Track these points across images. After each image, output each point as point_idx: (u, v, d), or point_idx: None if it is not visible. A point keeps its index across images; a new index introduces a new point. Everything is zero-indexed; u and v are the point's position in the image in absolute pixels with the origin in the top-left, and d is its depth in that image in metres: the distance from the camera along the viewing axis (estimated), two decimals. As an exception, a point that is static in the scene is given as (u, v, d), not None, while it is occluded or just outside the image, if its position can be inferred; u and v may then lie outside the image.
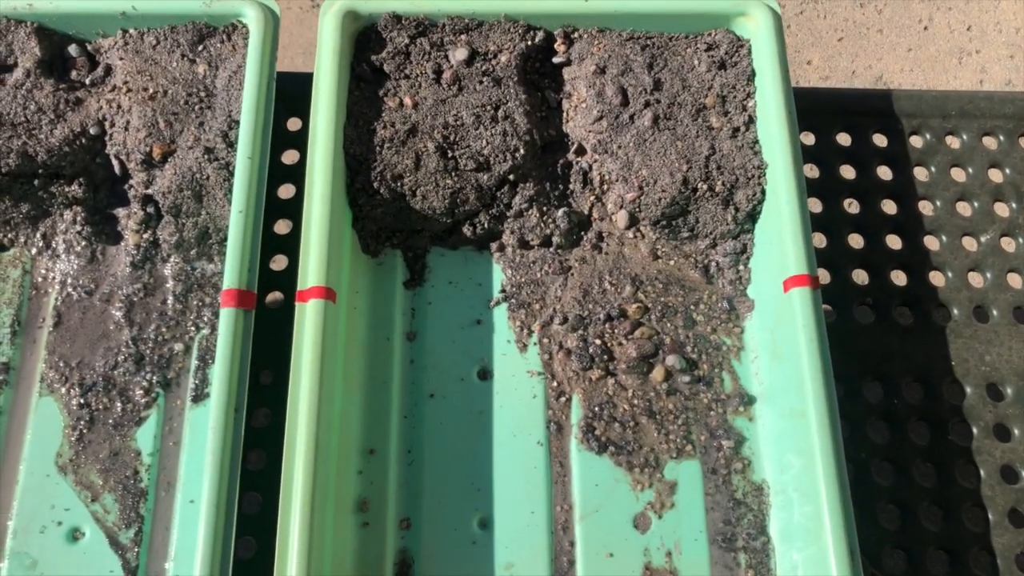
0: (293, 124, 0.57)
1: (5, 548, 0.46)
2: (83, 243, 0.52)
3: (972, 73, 1.14)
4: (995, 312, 0.54)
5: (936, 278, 0.55)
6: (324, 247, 0.47)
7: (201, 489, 0.45)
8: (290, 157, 0.57)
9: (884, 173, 0.58)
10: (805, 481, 0.45)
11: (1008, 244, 0.56)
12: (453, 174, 0.51)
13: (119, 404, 0.49)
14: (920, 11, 1.17)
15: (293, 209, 0.55)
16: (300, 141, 0.56)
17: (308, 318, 0.46)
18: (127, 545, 0.46)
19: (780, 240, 0.49)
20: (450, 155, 0.51)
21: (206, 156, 0.50)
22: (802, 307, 0.47)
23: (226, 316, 0.45)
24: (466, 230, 0.53)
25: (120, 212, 0.52)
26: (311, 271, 0.47)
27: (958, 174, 0.58)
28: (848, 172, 0.58)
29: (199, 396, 0.49)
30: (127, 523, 0.47)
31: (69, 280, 0.52)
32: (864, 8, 1.17)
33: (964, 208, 0.57)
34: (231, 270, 0.46)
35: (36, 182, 0.51)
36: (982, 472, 0.50)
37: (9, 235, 0.52)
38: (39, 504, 0.47)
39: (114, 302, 0.51)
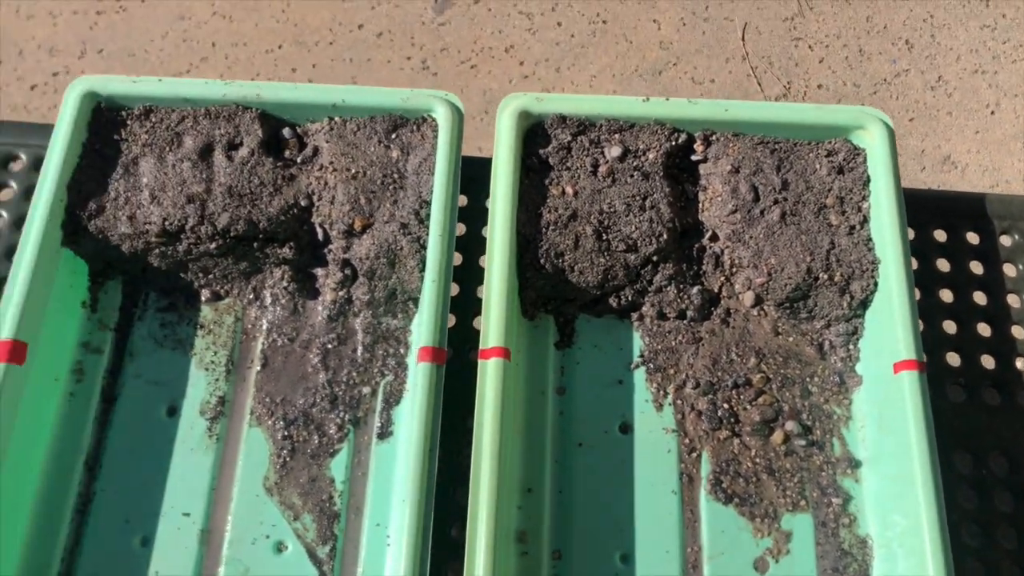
0: (461, 200, 0.66)
1: (222, 555, 0.54)
2: (287, 297, 0.61)
3: (1037, 157, 1.21)
4: (1074, 398, 0.62)
5: (1022, 364, 0.62)
6: (503, 313, 0.55)
7: (387, 514, 0.54)
8: (458, 229, 0.66)
9: (976, 267, 0.65)
10: (910, 538, 0.52)
11: (1086, 337, 0.63)
12: (606, 254, 0.60)
13: (316, 437, 0.58)
14: (988, 96, 1.25)
15: (460, 274, 0.64)
16: (466, 216, 0.65)
17: (489, 374, 0.54)
18: (323, 559, 0.55)
19: (891, 327, 0.56)
20: (604, 237, 0.60)
21: (401, 230, 0.59)
22: (911, 389, 0.54)
23: (423, 370, 0.54)
24: (612, 301, 0.61)
25: (319, 272, 0.61)
26: (491, 333, 0.55)
27: (1042, 272, 0.66)
28: (944, 265, 0.66)
29: (384, 434, 0.58)
30: (323, 540, 0.55)
31: (274, 328, 0.61)
32: (935, 91, 1.25)
33: (1047, 303, 0.65)
34: (427, 330, 0.55)
35: (255, 244, 0.60)
36: (1061, 540, 0.57)
37: (226, 287, 0.61)
38: (250, 519, 0.55)
39: (312, 349, 0.60)
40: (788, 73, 1.24)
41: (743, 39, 1.26)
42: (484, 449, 0.52)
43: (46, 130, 0.66)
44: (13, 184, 0.65)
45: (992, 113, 1.24)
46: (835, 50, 1.26)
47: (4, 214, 0.64)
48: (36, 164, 0.66)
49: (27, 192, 0.65)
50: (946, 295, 0.65)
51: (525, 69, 1.22)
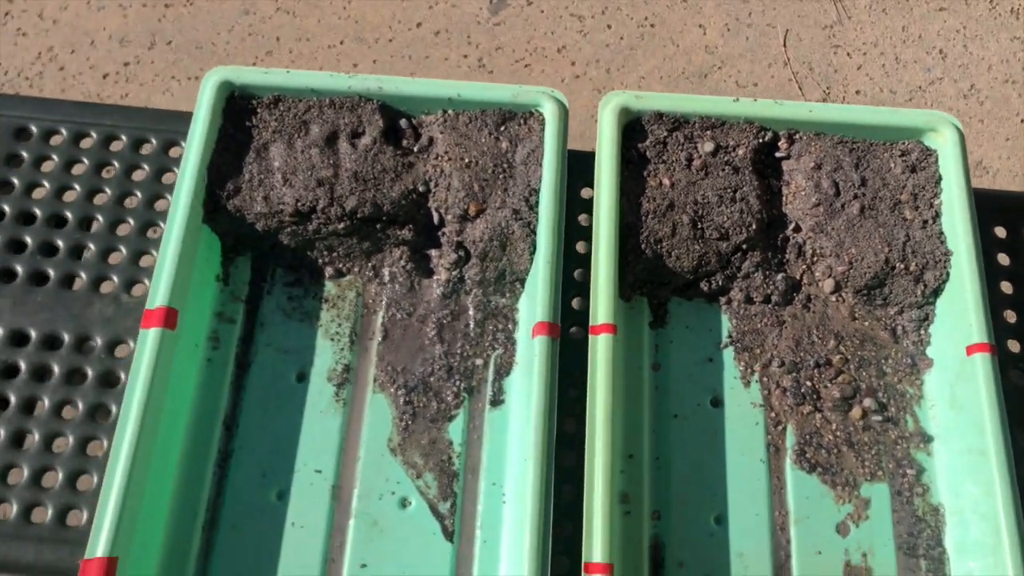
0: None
1: (352, 508, 0.59)
2: (405, 275, 0.66)
3: (1065, 165, 1.27)
4: (1125, 383, 0.67)
5: (1077, 352, 0.68)
6: (611, 294, 0.61)
7: (502, 475, 0.59)
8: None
9: (1033, 262, 0.71)
10: (983, 506, 0.57)
11: None
12: (700, 241, 0.65)
13: (435, 403, 0.63)
14: (1018, 105, 1.31)
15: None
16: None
17: (600, 348, 0.59)
18: (445, 514, 0.60)
19: (964, 313, 0.62)
20: (699, 226, 0.65)
21: (513, 215, 0.64)
22: (984, 369, 0.60)
23: (540, 343, 0.59)
24: (703, 285, 0.66)
25: (434, 253, 0.67)
26: (600, 311, 0.60)
27: (1094, 268, 0.71)
28: (1004, 259, 0.71)
29: (496, 402, 0.63)
30: (444, 496, 0.60)
31: (393, 303, 0.66)
32: (967, 99, 1.31)
33: (1099, 296, 0.70)
34: (543, 307, 0.60)
35: (377, 226, 0.65)
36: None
37: (348, 265, 0.67)
38: (376, 477, 0.60)
39: (428, 323, 0.65)
40: (828, 79, 1.30)
41: (784, 45, 1.31)
42: (598, 416, 0.57)
43: (175, 116, 0.72)
44: (145, 166, 0.70)
45: (1022, 121, 1.30)
46: (872, 57, 1.32)
47: (139, 193, 0.69)
48: (165, 148, 0.71)
49: (158, 173, 0.70)
50: (1006, 287, 0.70)
51: (577, 69, 1.27)
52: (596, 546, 0.53)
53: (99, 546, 0.51)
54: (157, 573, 0.56)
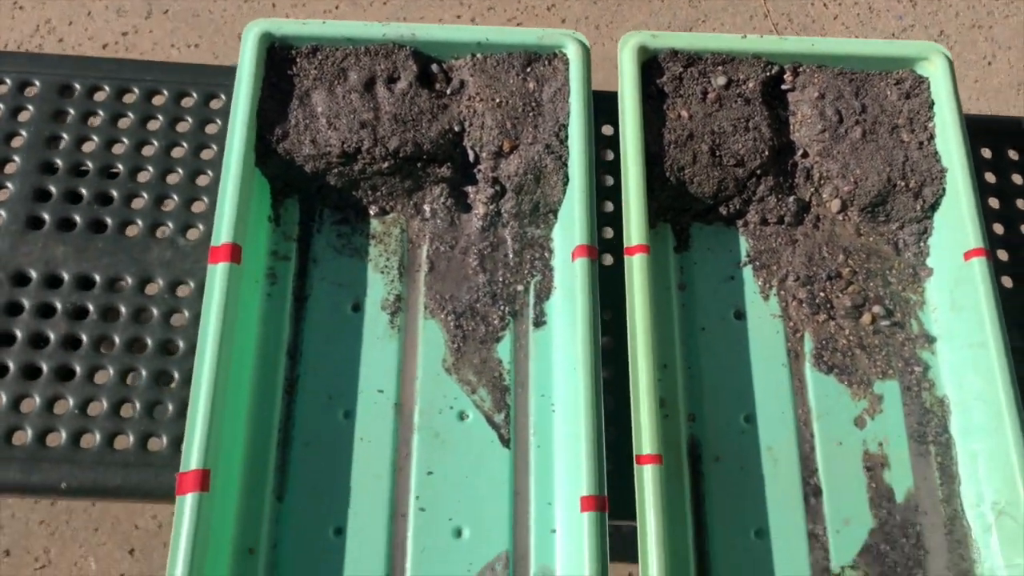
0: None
1: (414, 423, 0.64)
2: (445, 211, 0.71)
3: (1029, 103, 1.35)
4: (1103, 283, 0.74)
5: (1059, 258, 0.74)
6: (642, 217, 0.66)
7: (550, 387, 0.64)
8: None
9: (1017, 179, 0.77)
10: (986, 392, 0.64)
11: (1109, 235, 0.76)
12: (718, 168, 0.70)
13: (482, 327, 0.68)
14: (985, 50, 1.38)
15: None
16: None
17: (636, 268, 0.64)
18: (500, 424, 0.65)
19: (960, 223, 0.68)
20: (717, 154, 0.70)
21: (545, 150, 0.69)
22: (981, 271, 0.66)
23: (581, 264, 0.64)
24: (722, 210, 0.72)
25: (471, 189, 0.71)
26: (634, 234, 0.65)
27: (1071, 182, 0.78)
28: (990, 177, 0.77)
29: (539, 323, 0.68)
30: (498, 408, 0.65)
31: (436, 237, 0.70)
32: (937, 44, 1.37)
33: (1076, 207, 0.77)
34: (581, 231, 0.65)
35: (418, 165, 0.69)
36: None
37: (391, 203, 0.71)
38: (435, 394, 0.65)
39: (470, 254, 0.70)
40: (806, 29, 1.35)
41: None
42: (638, 327, 0.62)
43: (213, 70, 0.75)
44: (188, 118, 0.74)
45: (989, 64, 1.37)
46: (847, 7, 1.38)
47: (184, 144, 0.73)
48: (206, 100, 0.74)
49: (201, 124, 0.73)
50: (994, 202, 0.77)
51: (567, 26, 1.31)
52: (646, 440, 0.59)
53: (192, 459, 0.55)
54: (241, 485, 0.60)
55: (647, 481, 0.58)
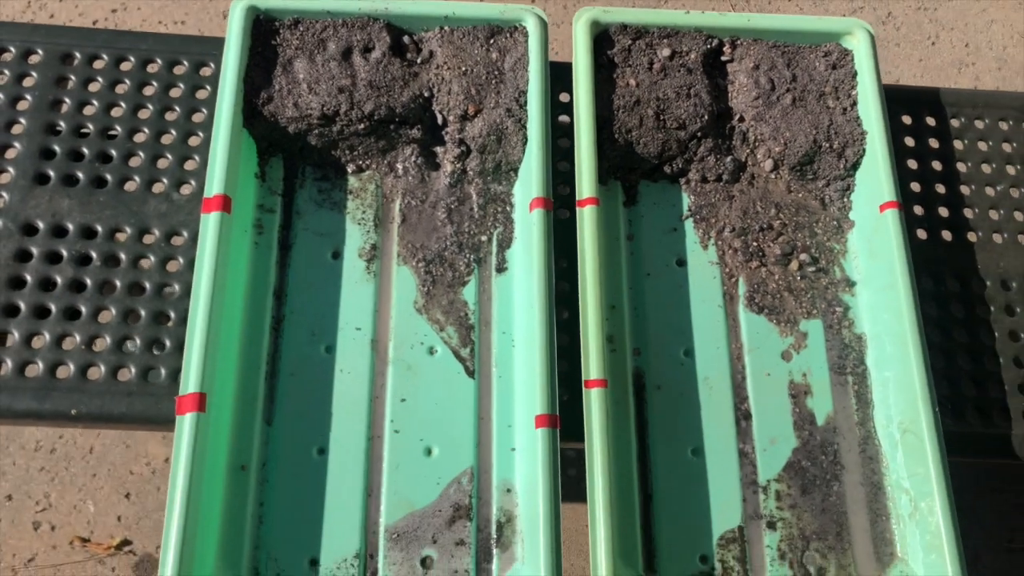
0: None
1: (389, 356, 0.72)
2: (416, 169, 0.78)
3: (968, 80, 1.44)
4: (1006, 235, 0.83)
5: (968, 212, 0.83)
6: (592, 174, 0.73)
7: (510, 325, 0.72)
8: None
9: (933, 143, 0.86)
10: (895, 327, 0.72)
11: (1015, 193, 0.84)
12: (663, 131, 0.78)
13: (450, 272, 0.75)
14: (929, 30, 1.46)
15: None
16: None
17: (587, 218, 0.72)
18: (466, 357, 0.72)
19: (877, 179, 0.76)
20: (661, 118, 0.78)
21: (506, 114, 0.76)
22: (893, 221, 0.74)
23: (537, 215, 0.71)
24: (666, 169, 0.80)
25: (439, 149, 0.78)
26: (585, 187, 0.73)
27: (983, 146, 0.86)
28: (910, 141, 0.86)
29: (501, 269, 0.76)
30: (464, 344, 0.73)
31: (407, 193, 0.78)
32: (885, 26, 1.46)
33: (987, 169, 0.85)
34: (537, 184, 0.72)
35: (391, 127, 0.77)
36: (995, 331, 0.78)
37: (367, 162, 0.78)
38: (407, 332, 0.73)
39: (439, 208, 0.77)
40: (762, 9, 1.43)
41: (722, -20, 1.44)
42: (588, 271, 0.70)
43: (203, 40, 0.82)
44: (180, 85, 0.80)
45: (933, 44, 1.46)
46: (801, -11, 1.46)
47: (177, 108, 0.80)
48: (196, 68, 0.81)
49: (192, 90, 0.80)
50: (912, 164, 0.85)
51: (537, 5, 1.38)
52: (593, 367, 0.67)
53: (190, 383, 0.63)
54: (234, 410, 0.68)
55: (594, 401, 0.66)
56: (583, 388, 0.67)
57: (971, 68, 1.44)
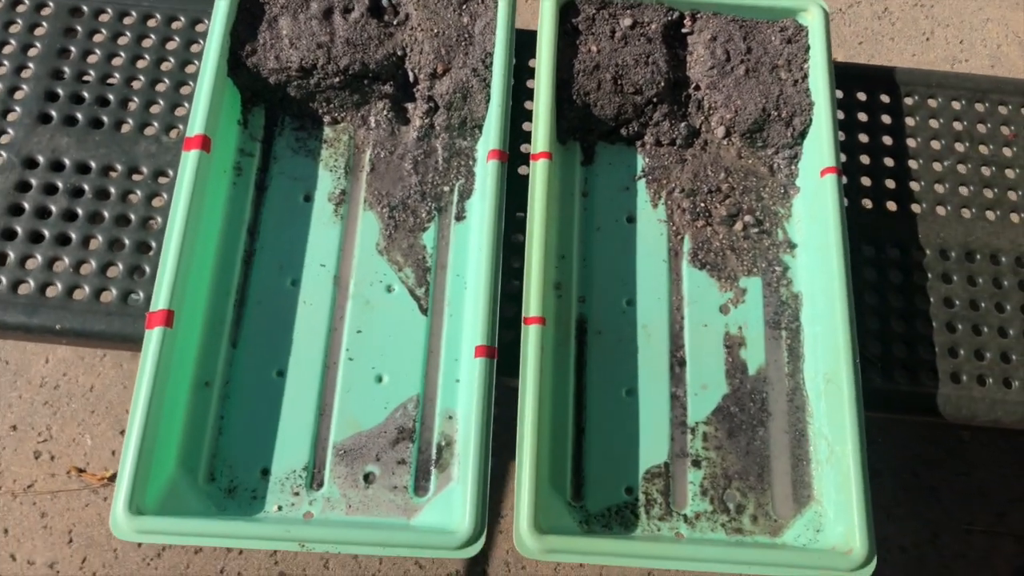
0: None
1: (349, 292, 0.78)
2: (387, 122, 0.84)
3: (962, 77, 1.46)
4: (949, 207, 0.86)
5: (914, 185, 0.87)
6: (548, 131, 0.78)
7: (464, 269, 0.77)
8: (508, 81, 0.88)
9: (885, 119, 0.89)
10: (825, 285, 0.76)
11: (961, 169, 0.88)
12: (619, 95, 0.83)
13: (411, 218, 0.81)
14: (924, 26, 1.49)
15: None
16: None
17: (539, 171, 0.77)
18: (420, 297, 0.78)
19: (820, 146, 0.80)
20: (619, 83, 0.83)
21: (472, 73, 0.82)
22: (831, 185, 0.78)
23: (492, 166, 0.77)
24: (623, 131, 0.85)
25: (410, 105, 0.84)
26: (539, 142, 0.78)
27: (933, 123, 0.90)
28: (863, 117, 0.90)
29: (459, 217, 0.81)
30: (419, 284, 0.78)
31: (378, 144, 0.83)
32: (880, 20, 1.49)
33: (936, 145, 0.89)
34: (495, 138, 0.78)
35: (365, 81, 0.82)
36: (931, 297, 0.82)
37: (342, 114, 0.84)
38: (368, 271, 0.78)
39: (406, 159, 0.83)
40: None
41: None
42: (535, 220, 0.75)
43: (199, -2, 0.88)
44: (177, 38, 0.87)
45: (927, 39, 1.48)
46: (799, -17, 1.50)
47: (172, 60, 0.86)
48: (192, 24, 0.88)
49: (187, 44, 0.87)
50: (863, 137, 0.89)
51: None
52: (533, 305, 0.72)
53: (160, 300, 0.69)
54: (202, 331, 0.74)
55: (531, 336, 0.71)
56: (522, 324, 0.72)
57: (964, 65, 1.47)
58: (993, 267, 0.84)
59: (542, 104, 0.79)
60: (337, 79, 0.81)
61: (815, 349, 0.77)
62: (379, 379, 0.75)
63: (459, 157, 0.83)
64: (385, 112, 0.84)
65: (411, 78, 0.83)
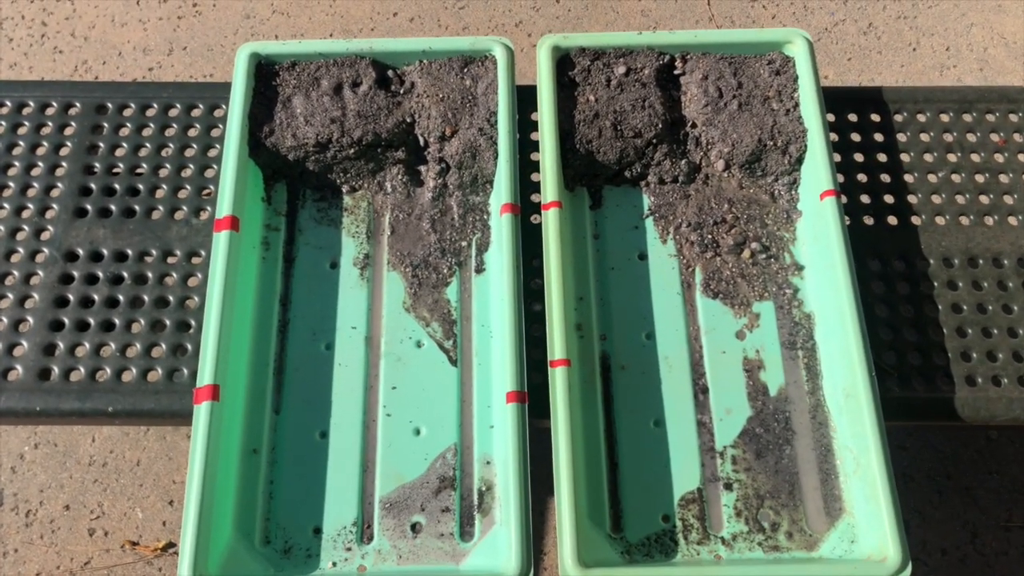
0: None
1: (381, 350, 0.81)
2: (402, 186, 0.88)
3: (950, 82, 1.50)
4: (947, 216, 0.89)
5: (912, 198, 0.90)
6: (556, 180, 0.82)
7: (488, 319, 0.81)
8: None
9: (878, 136, 0.93)
10: (836, 303, 0.79)
11: (956, 178, 0.91)
12: (620, 140, 0.87)
13: (433, 275, 0.85)
14: (910, 37, 1.53)
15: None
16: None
17: (551, 221, 0.81)
18: (449, 349, 0.81)
19: (817, 171, 0.84)
20: (618, 128, 0.87)
21: (479, 133, 0.86)
22: (831, 207, 0.81)
23: (506, 220, 0.81)
24: (627, 174, 0.88)
25: (422, 168, 0.88)
26: (549, 192, 0.82)
27: (924, 137, 0.93)
28: (856, 136, 0.93)
29: (479, 270, 0.85)
30: (447, 337, 0.82)
31: (395, 207, 0.88)
32: (867, 35, 1.53)
33: (929, 158, 0.92)
34: (506, 192, 0.82)
35: (378, 150, 0.87)
36: (939, 304, 0.85)
37: (359, 182, 0.88)
38: (397, 329, 0.82)
39: (423, 219, 0.87)
40: (742, 19, 1.52)
41: (709, 4, 1.53)
42: (552, 267, 0.79)
43: (216, 86, 0.94)
44: (197, 125, 0.92)
45: (914, 50, 1.52)
46: (784, 7, 1.54)
47: (195, 145, 0.91)
48: (211, 110, 0.93)
49: (208, 129, 0.92)
50: (859, 156, 0.93)
51: (533, 40, 1.49)
52: (557, 348, 0.75)
53: (205, 376, 0.73)
54: (245, 401, 0.78)
55: (558, 379, 0.74)
56: (548, 368, 0.75)
57: (953, 71, 1.50)
58: (996, 270, 0.87)
59: (548, 156, 0.83)
60: (352, 150, 0.86)
61: (832, 366, 0.80)
62: (417, 432, 0.78)
63: (473, 212, 0.87)
64: (400, 176, 0.88)
65: (422, 142, 0.88)
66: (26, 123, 0.92)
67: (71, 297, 0.84)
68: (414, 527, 0.74)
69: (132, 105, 0.93)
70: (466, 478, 0.76)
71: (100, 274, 0.85)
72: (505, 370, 0.75)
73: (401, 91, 0.89)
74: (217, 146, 0.91)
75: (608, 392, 0.80)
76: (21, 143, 0.91)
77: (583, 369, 0.81)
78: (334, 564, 0.73)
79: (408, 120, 0.87)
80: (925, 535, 1.21)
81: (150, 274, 0.85)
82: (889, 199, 0.90)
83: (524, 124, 0.93)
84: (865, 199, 0.90)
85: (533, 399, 0.75)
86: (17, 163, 0.90)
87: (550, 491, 0.70)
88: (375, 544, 0.74)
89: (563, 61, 0.89)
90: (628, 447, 0.78)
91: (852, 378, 0.76)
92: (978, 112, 0.95)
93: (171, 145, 0.91)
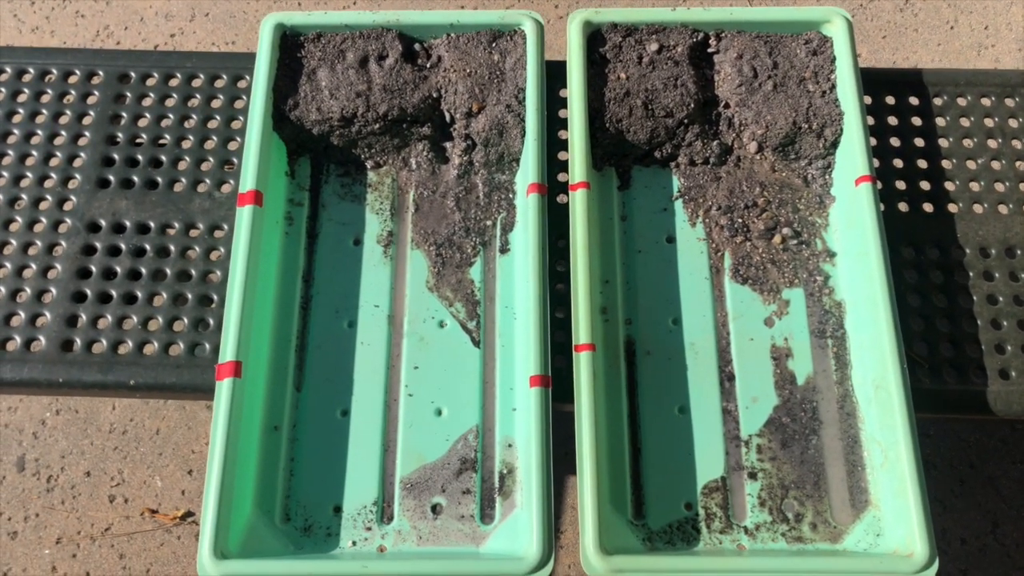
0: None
1: (404, 330, 0.80)
2: (428, 163, 0.87)
3: (988, 63, 1.46)
4: (986, 205, 0.87)
5: (949, 185, 0.88)
6: (585, 160, 0.81)
7: (512, 300, 0.80)
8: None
9: (916, 121, 0.90)
10: (868, 292, 0.78)
11: (996, 165, 0.89)
12: (651, 119, 0.85)
13: (457, 254, 0.83)
14: (947, 14, 1.49)
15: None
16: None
17: (578, 201, 0.79)
18: (472, 329, 0.80)
19: (852, 155, 0.81)
20: (649, 108, 0.85)
21: (506, 110, 0.84)
22: (866, 193, 0.79)
23: (533, 200, 0.79)
24: (656, 154, 0.87)
25: (448, 144, 0.87)
26: (577, 173, 0.80)
27: (964, 122, 0.91)
28: (893, 120, 0.91)
29: (504, 250, 0.84)
30: (470, 318, 0.81)
31: (420, 184, 0.86)
32: (903, 12, 1.49)
33: (968, 143, 0.90)
34: (533, 172, 0.80)
35: (404, 125, 0.85)
36: (974, 295, 0.83)
37: (384, 158, 0.87)
38: (420, 307, 0.81)
39: (448, 197, 0.86)
40: (780, 3, 1.48)
41: (740, -23, 1.50)
42: (578, 248, 0.77)
43: (240, 56, 0.92)
44: (220, 96, 0.91)
45: (951, 28, 1.48)
46: (818, -18, 1.50)
47: (218, 117, 0.90)
48: (234, 81, 0.92)
49: (231, 100, 0.91)
50: (895, 141, 0.90)
51: (560, 11, 1.46)
52: (582, 333, 0.74)
53: (228, 352, 0.72)
54: (267, 378, 0.77)
55: (583, 363, 0.73)
56: (573, 352, 0.74)
57: (991, 50, 1.46)
58: (1034, 261, 0.84)
59: (576, 135, 0.82)
60: (377, 125, 0.84)
61: (862, 356, 0.78)
62: (439, 412, 0.77)
63: (499, 191, 0.86)
64: (425, 153, 0.87)
65: (448, 118, 0.86)
66: (49, 91, 0.91)
67: (93, 269, 0.84)
68: (434, 508, 0.74)
69: (155, 75, 0.92)
70: (487, 460, 0.76)
71: (122, 246, 0.84)
72: (529, 353, 0.74)
73: (428, 65, 0.87)
74: (240, 118, 0.90)
75: (632, 378, 0.79)
76: (44, 111, 0.90)
77: (608, 354, 0.79)
78: (354, 543, 0.73)
79: (434, 95, 0.85)
80: (945, 523, 1.20)
81: (172, 247, 0.85)
82: (925, 185, 0.88)
83: (551, 101, 0.91)
84: (901, 185, 0.88)
85: (556, 382, 0.74)
86: (40, 132, 0.89)
87: (568, 470, 0.70)
88: (395, 524, 0.73)
89: (594, 37, 0.87)
90: (652, 433, 0.77)
91: (882, 369, 0.74)
92: (1021, 97, 0.92)
93: (194, 117, 0.90)
